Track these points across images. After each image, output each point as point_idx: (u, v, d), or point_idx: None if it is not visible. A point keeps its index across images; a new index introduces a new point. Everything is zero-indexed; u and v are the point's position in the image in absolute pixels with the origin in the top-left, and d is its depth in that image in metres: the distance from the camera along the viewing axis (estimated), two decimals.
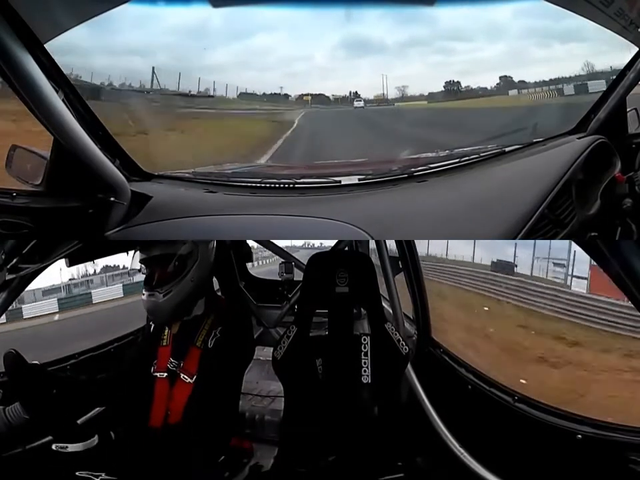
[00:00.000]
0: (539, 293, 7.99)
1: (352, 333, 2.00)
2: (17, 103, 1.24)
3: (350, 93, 2.68)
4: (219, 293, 3.01)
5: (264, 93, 2.55)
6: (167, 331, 1.86)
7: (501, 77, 2.58)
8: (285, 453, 1.96)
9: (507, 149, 1.88)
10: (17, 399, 1.52)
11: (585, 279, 7.71)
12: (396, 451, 1.89)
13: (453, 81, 2.59)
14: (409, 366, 2.16)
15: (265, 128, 2.82)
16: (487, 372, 1.86)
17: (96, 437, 1.53)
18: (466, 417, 1.92)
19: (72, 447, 1.48)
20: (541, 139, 2.03)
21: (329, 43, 2.30)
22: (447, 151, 1.89)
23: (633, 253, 1.04)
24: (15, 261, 1.49)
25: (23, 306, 15.80)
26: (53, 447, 1.48)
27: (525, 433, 1.56)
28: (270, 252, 3.62)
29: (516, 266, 8.70)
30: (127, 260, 1.93)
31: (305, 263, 2.15)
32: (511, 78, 2.58)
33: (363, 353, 1.95)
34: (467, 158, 1.74)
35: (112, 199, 1.48)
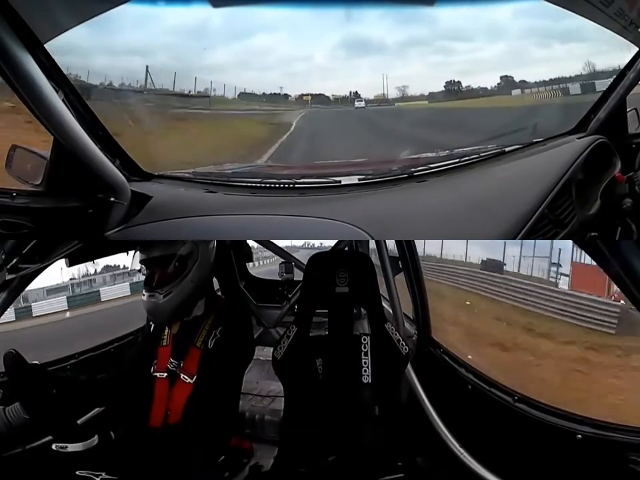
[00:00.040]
0: (523, 290, 8.28)
1: (352, 333, 2.00)
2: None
3: (350, 92, 2.68)
4: (219, 293, 3.01)
5: (264, 93, 2.55)
6: (167, 331, 1.86)
7: (501, 77, 2.58)
8: (284, 453, 1.96)
9: (506, 149, 1.88)
10: (17, 399, 1.52)
11: (567, 276, 8.00)
12: (396, 451, 1.89)
13: (454, 80, 2.59)
14: (409, 366, 2.16)
15: (260, 130, 2.79)
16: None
17: (96, 436, 1.53)
18: (466, 417, 1.92)
19: (72, 447, 1.48)
20: (541, 139, 2.03)
21: (329, 43, 2.30)
22: (447, 151, 1.89)
23: (633, 253, 1.04)
24: (15, 261, 1.49)
25: (32, 304, 16.15)
26: (53, 446, 1.48)
27: (525, 432, 1.56)
28: (270, 252, 3.62)
29: (504, 265, 9.04)
30: (129, 260, 1.92)
31: (305, 263, 2.15)
32: (512, 78, 2.58)
33: (363, 353, 1.95)
34: (466, 158, 1.74)
35: (112, 198, 1.48)
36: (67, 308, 16.33)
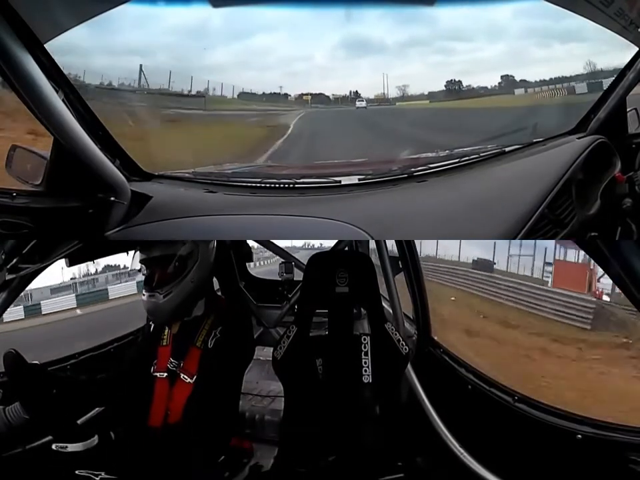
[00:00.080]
0: (508, 287, 8.78)
1: (352, 333, 2.00)
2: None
3: (350, 92, 2.67)
4: (219, 293, 3.01)
5: (263, 93, 2.54)
6: (166, 330, 1.86)
7: (502, 77, 2.58)
8: (285, 453, 1.96)
9: (507, 149, 1.88)
10: (17, 399, 1.52)
11: (550, 273, 8.45)
12: (396, 451, 1.89)
13: (454, 80, 2.58)
14: (409, 366, 2.16)
15: (255, 133, 2.73)
16: None
17: (96, 436, 1.53)
18: (466, 416, 1.92)
19: (72, 447, 1.47)
20: (541, 139, 2.03)
21: (329, 43, 2.30)
22: (447, 151, 1.89)
23: (633, 253, 1.04)
24: (15, 261, 1.49)
25: (41, 302, 16.42)
26: (53, 446, 1.48)
27: (525, 432, 1.56)
28: (270, 252, 3.62)
29: (495, 264, 9.52)
30: (129, 260, 1.93)
31: (305, 263, 2.15)
32: (513, 77, 2.58)
33: (363, 353, 1.95)
34: (467, 158, 1.74)
35: (112, 198, 1.48)
36: (75, 305, 16.56)
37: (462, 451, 1.85)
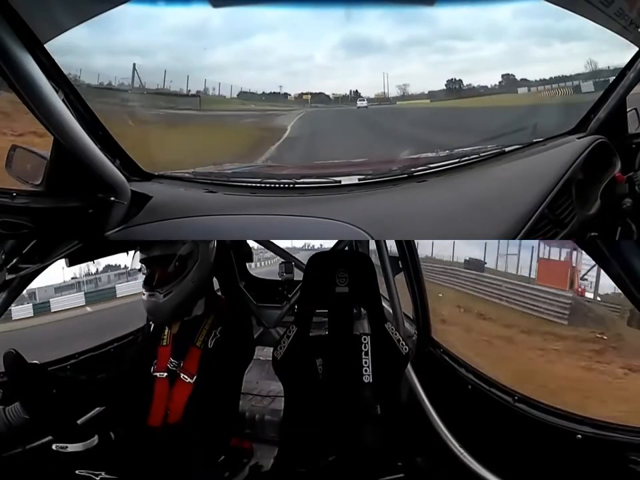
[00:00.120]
0: (491, 284, 9.33)
1: (352, 333, 2.00)
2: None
3: (350, 91, 2.67)
4: (219, 293, 3.01)
5: (263, 92, 2.54)
6: (166, 330, 1.86)
7: (503, 75, 2.57)
8: (285, 453, 1.96)
9: (506, 149, 1.88)
10: (17, 399, 1.52)
11: (532, 270, 9.00)
12: (396, 451, 1.89)
13: (455, 79, 2.58)
14: (409, 366, 2.16)
15: (249, 137, 2.66)
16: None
17: (96, 437, 1.53)
18: (466, 417, 1.92)
19: (72, 447, 1.48)
20: (541, 139, 2.03)
21: (329, 43, 2.30)
22: (447, 151, 1.89)
23: (633, 253, 1.04)
24: (15, 260, 1.49)
25: (50, 300, 16.79)
26: (53, 446, 1.48)
27: (525, 432, 1.56)
28: (271, 253, 3.61)
29: (485, 263, 10.08)
30: (128, 260, 1.93)
31: (305, 263, 2.15)
32: (513, 76, 2.57)
33: (363, 353, 1.95)
34: (467, 158, 1.74)
35: (112, 198, 1.48)
36: (84, 303, 16.78)
37: (462, 451, 1.85)
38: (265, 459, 2.00)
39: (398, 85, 2.58)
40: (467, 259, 10.54)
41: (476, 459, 1.77)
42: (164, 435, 1.70)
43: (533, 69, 2.53)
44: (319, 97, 2.66)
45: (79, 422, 1.66)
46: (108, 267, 20.66)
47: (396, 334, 1.95)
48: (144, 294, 1.75)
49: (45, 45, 1.25)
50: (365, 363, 1.94)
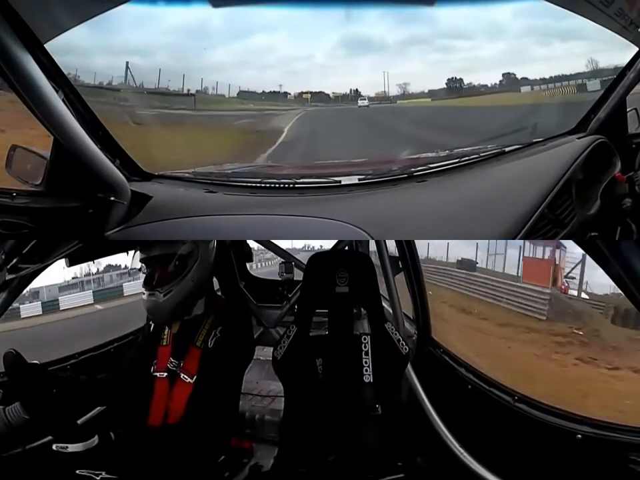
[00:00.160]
0: (478, 282, 9.71)
1: (352, 333, 2.00)
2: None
3: (350, 90, 2.65)
4: (219, 293, 3.01)
5: (263, 91, 2.53)
6: (166, 330, 1.86)
7: (504, 74, 2.56)
8: (285, 452, 1.96)
9: (506, 149, 1.88)
10: (17, 399, 1.52)
11: (517, 269, 9.39)
12: (396, 451, 1.89)
13: (455, 78, 2.57)
14: (409, 366, 2.16)
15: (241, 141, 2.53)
16: None
17: (96, 437, 1.53)
18: (466, 416, 1.92)
19: (72, 447, 1.48)
20: (541, 139, 2.03)
21: (329, 42, 2.29)
22: (447, 151, 1.89)
23: (633, 253, 1.04)
24: (15, 260, 1.49)
25: (59, 298, 17.07)
26: (54, 447, 1.48)
27: (525, 432, 1.56)
28: (271, 254, 3.62)
29: (477, 263, 10.49)
30: (128, 259, 1.93)
31: (305, 263, 2.15)
32: (514, 75, 2.56)
33: (364, 352, 1.95)
34: (466, 158, 1.74)
35: (112, 198, 1.48)
36: (92, 302, 16.91)
37: (462, 451, 1.85)
38: (265, 459, 2.00)
39: (398, 83, 2.57)
40: (460, 259, 10.87)
41: (476, 459, 1.77)
42: (164, 434, 1.70)
43: (533, 68, 2.53)
44: (319, 96, 2.65)
45: (79, 422, 1.66)
46: (110, 267, 20.83)
47: (396, 334, 1.95)
48: (144, 293, 1.75)
49: (45, 45, 1.25)
50: (366, 362, 1.94)
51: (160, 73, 2.17)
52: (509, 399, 1.65)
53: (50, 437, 1.57)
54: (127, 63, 2.05)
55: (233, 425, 1.86)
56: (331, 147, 2.59)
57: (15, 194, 1.43)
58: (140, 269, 1.81)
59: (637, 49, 1.84)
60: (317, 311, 2.00)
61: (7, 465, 1.70)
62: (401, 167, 1.71)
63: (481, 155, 1.79)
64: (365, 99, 2.62)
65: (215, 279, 2.13)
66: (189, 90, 2.33)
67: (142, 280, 1.80)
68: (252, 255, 3.47)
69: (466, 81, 2.57)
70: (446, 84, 2.59)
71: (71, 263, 1.82)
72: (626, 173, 2.01)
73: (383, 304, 2.03)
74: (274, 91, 2.52)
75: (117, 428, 1.78)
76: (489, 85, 2.60)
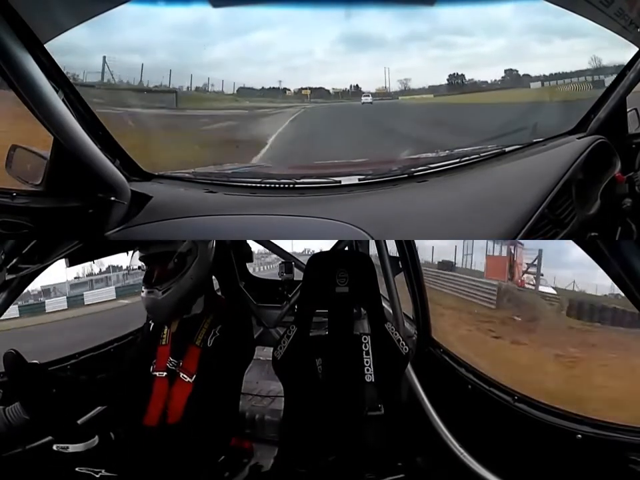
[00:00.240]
0: (446, 279, 10.60)
1: (352, 333, 2.00)
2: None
3: (350, 86, 2.62)
4: (219, 293, 3.01)
5: (262, 88, 2.50)
6: (166, 330, 1.86)
7: (506, 71, 2.55)
8: (285, 453, 1.96)
9: (507, 149, 1.88)
10: (17, 399, 1.52)
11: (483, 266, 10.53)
12: (396, 451, 1.89)
13: (457, 73, 2.54)
14: (409, 366, 2.16)
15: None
16: None
17: (96, 437, 1.53)
18: (466, 416, 1.92)
19: (73, 448, 1.47)
20: (541, 139, 2.03)
21: (329, 38, 2.29)
22: (447, 151, 1.89)
23: (633, 253, 1.04)
24: (15, 260, 1.49)
25: (84, 293, 18.10)
26: (54, 447, 1.48)
27: (525, 432, 1.56)
28: (272, 258, 3.63)
29: (455, 264, 11.48)
30: (127, 259, 1.92)
31: (305, 263, 2.15)
32: (517, 71, 2.54)
33: (364, 352, 1.95)
34: (467, 158, 1.74)
35: (112, 198, 1.48)
36: (115, 297, 17.43)
37: (462, 450, 1.85)
38: (265, 459, 2.00)
39: (399, 79, 2.55)
40: (440, 260, 11.68)
41: (476, 459, 1.77)
42: (164, 434, 1.69)
43: (534, 65, 2.52)
44: (319, 92, 2.62)
45: (79, 422, 1.66)
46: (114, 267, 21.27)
47: (396, 334, 1.95)
48: (143, 291, 1.75)
49: (45, 45, 1.25)
50: (367, 362, 1.94)
51: (142, 68, 2.08)
52: (508, 399, 1.65)
53: (50, 437, 1.57)
54: (104, 57, 1.97)
55: (232, 425, 1.86)
56: (330, 149, 2.57)
57: (15, 194, 1.43)
58: (139, 267, 1.81)
59: (637, 48, 1.84)
60: (317, 311, 2.00)
61: (7, 464, 1.70)
62: (401, 167, 1.71)
63: (481, 154, 1.79)
64: (368, 96, 2.57)
65: (215, 279, 2.13)
66: (184, 86, 2.29)
67: None
68: (252, 255, 3.47)
69: (468, 77, 2.56)
70: (447, 80, 2.57)
71: (72, 262, 1.82)
72: (626, 173, 2.01)
73: (383, 304, 2.03)
74: (273, 87, 2.50)
75: (117, 428, 1.78)
76: (489, 82, 2.59)
